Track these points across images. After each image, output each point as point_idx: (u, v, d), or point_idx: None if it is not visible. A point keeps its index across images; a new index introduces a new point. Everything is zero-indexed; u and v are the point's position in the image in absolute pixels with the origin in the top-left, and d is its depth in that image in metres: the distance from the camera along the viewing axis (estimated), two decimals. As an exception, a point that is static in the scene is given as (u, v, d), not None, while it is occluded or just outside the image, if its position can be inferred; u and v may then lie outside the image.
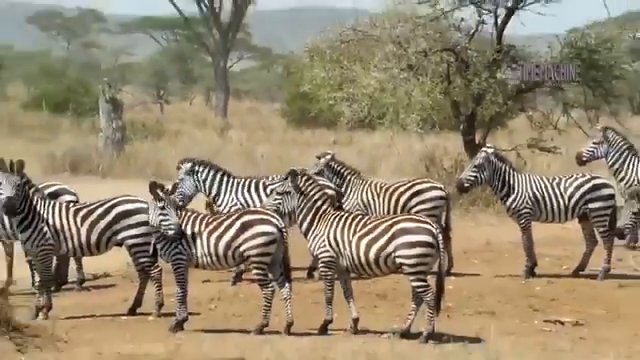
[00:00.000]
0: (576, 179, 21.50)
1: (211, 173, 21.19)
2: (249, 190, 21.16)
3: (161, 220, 16.88)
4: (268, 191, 20.78)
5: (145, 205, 17.65)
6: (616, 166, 23.49)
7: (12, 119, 50.80)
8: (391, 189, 21.43)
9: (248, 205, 20.75)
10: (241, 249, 16.81)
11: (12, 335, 15.33)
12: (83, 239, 18.10)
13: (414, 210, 20.58)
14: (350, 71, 29.61)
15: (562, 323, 17.57)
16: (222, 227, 16.92)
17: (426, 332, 16.15)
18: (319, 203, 17.08)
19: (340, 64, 29.93)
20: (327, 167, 21.42)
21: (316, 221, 16.96)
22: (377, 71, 29.22)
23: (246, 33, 76.09)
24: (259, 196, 21.05)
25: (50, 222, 17.93)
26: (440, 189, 21.53)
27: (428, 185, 21.66)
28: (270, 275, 16.79)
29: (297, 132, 48.93)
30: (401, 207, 20.98)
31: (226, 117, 59.73)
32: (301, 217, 17.03)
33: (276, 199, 17.27)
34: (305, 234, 17.09)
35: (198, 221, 17.03)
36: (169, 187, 17.40)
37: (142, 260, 18.27)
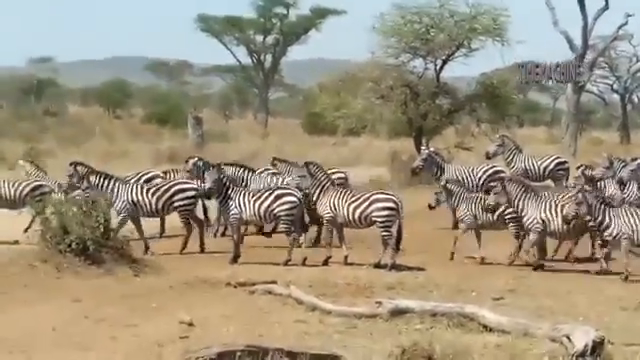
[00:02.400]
0: (483, 167, 21.55)
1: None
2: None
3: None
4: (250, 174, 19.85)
5: (195, 185, 17.54)
6: (508, 159, 23.22)
7: (134, 128, 50.60)
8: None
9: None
10: (275, 211, 16.65)
11: (131, 265, 15.28)
12: (153, 207, 17.63)
13: None
14: (345, 99, 29.50)
15: (473, 258, 17.37)
16: (263, 197, 16.76)
17: (389, 264, 16.05)
18: (324, 182, 16.94)
19: (338, 94, 29.84)
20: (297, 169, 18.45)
21: (322, 194, 16.82)
22: (361, 99, 29.11)
23: (280, 75, 75.40)
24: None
25: (128, 197, 17.41)
26: (343, 171, 20.50)
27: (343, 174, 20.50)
28: (292, 228, 16.66)
29: (311, 137, 48.51)
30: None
31: (266, 128, 59.28)
32: (312, 191, 16.88)
33: (297, 180, 17.13)
34: (315, 202, 16.96)
35: (247, 194, 16.89)
36: (216, 165, 17.17)
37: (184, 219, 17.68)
